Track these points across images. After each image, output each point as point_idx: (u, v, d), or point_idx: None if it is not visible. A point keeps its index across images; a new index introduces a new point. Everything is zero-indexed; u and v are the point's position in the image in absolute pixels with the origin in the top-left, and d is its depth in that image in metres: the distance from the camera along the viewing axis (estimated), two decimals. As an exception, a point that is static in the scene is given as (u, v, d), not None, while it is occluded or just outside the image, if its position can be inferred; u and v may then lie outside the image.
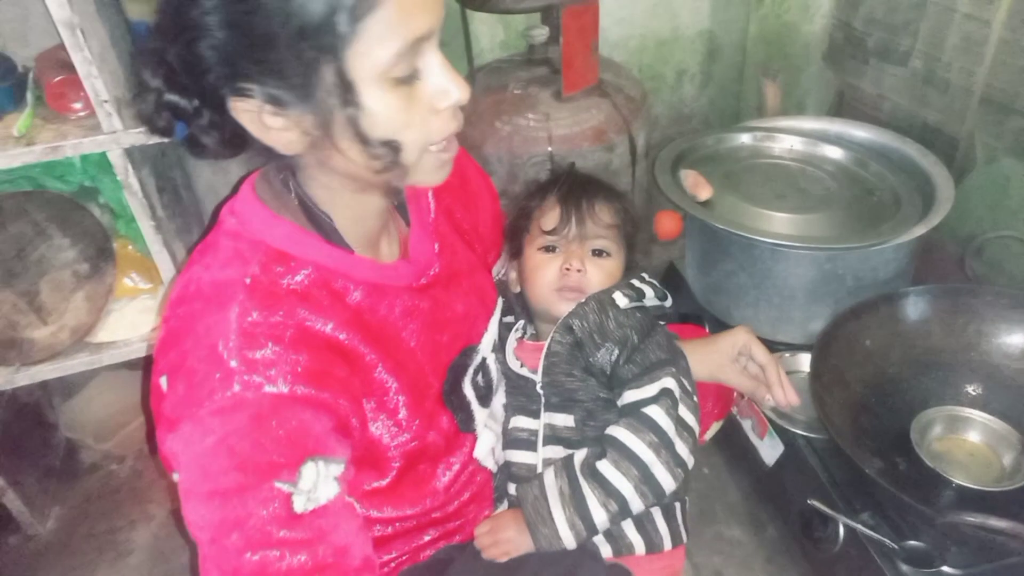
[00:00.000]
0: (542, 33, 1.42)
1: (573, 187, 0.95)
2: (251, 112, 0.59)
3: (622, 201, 0.97)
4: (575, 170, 1.02)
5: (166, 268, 1.31)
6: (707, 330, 1.48)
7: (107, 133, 1.15)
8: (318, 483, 0.61)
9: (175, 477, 0.63)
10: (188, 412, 0.60)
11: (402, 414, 0.74)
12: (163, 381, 0.64)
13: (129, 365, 1.71)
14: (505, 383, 0.94)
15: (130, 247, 1.45)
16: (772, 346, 1.37)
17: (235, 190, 0.72)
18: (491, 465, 0.89)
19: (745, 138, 1.49)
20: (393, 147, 0.61)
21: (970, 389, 1.17)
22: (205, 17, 0.54)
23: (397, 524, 0.80)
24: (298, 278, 0.66)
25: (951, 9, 1.35)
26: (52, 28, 1.29)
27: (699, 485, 1.48)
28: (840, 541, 1.13)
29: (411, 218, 0.81)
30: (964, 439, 1.15)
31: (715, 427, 1.07)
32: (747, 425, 1.38)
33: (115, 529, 1.56)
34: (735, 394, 1.09)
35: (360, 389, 0.69)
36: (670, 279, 1.65)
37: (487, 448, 0.88)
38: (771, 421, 1.29)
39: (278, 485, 0.59)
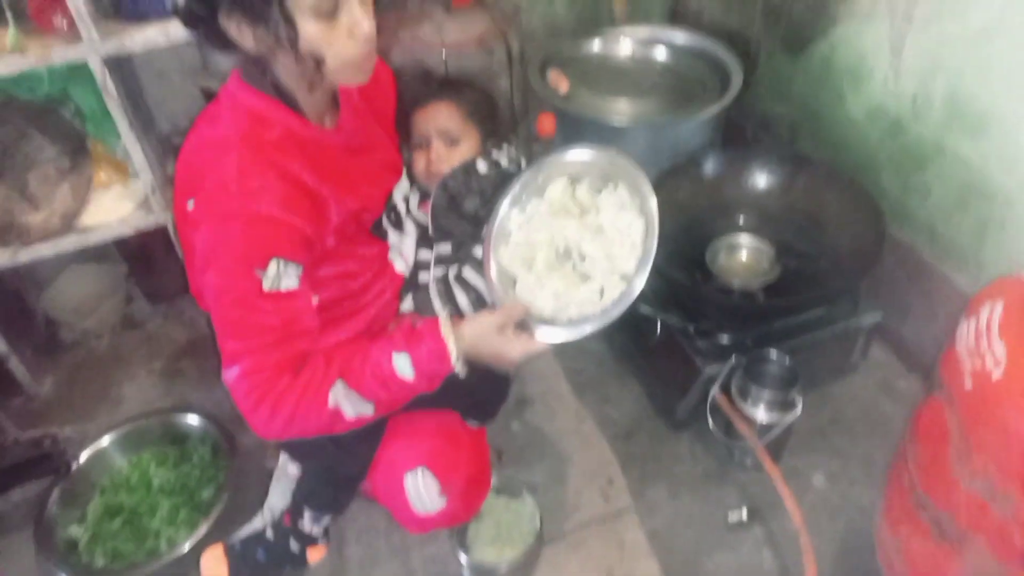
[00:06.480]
0: (433, -41, 1.77)
1: (428, 94, 1.28)
2: (231, 23, 0.92)
3: (466, 95, 1.28)
4: (429, 77, 1.35)
5: (138, 158, 1.61)
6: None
7: (86, 42, 1.42)
8: (280, 276, 0.94)
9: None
10: (206, 218, 0.95)
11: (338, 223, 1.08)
12: (190, 203, 0.99)
13: (96, 258, 2.04)
14: (416, 231, 1.32)
15: (100, 147, 1.74)
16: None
17: (222, 81, 1.05)
18: (402, 268, 1.27)
19: (597, 44, 1.90)
20: (317, 60, 0.93)
21: (741, 219, 1.66)
22: None
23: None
24: (273, 133, 1.00)
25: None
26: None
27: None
28: (658, 334, 1.57)
29: (342, 102, 1.16)
30: (740, 255, 1.64)
31: None
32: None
33: (107, 386, 1.90)
34: None
35: (320, 217, 1.03)
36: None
37: (401, 266, 1.27)
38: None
39: (255, 271, 0.93)
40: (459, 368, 1.01)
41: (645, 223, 1.03)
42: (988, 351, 0.95)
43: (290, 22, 0.89)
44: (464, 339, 1.01)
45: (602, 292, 1.03)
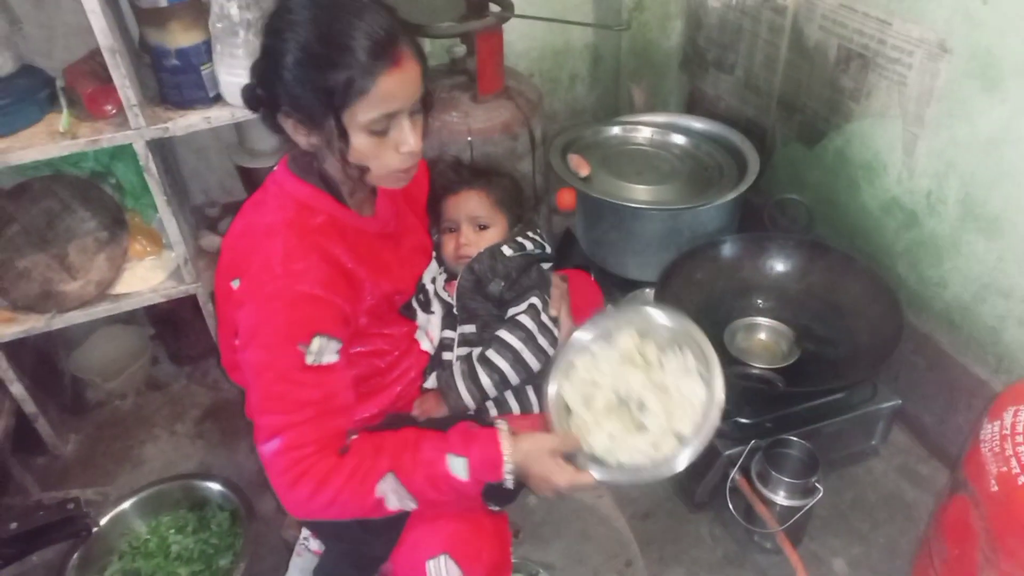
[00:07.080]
0: (461, 50, 1.85)
1: (459, 182, 1.35)
2: (288, 121, 1.01)
3: (495, 183, 1.35)
4: (460, 166, 1.42)
5: (173, 231, 1.67)
6: (592, 276, 1.96)
7: (134, 129, 1.51)
8: (323, 351, 0.98)
9: (236, 342, 1.04)
10: (250, 297, 1.00)
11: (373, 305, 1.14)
12: (235, 283, 1.04)
13: (124, 320, 2.08)
14: (441, 310, 1.36)
15: (137, 219, 1.81)
16: (636, 285, 1.87)
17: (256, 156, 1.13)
18: (428, 347, 1.31)
19: (616, 129, 1.98)
20: (361, 169, 1.01)
21: (759, 302, 1.69)
22: (280, 79, 0.96)
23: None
24: (318, 220, 1.06)
25: (756, 35, 1.86)
26: (73, 44, 1.66)
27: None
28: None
29: (379, 191, 1.22)
30: (759, 337, 1.67)
31: None
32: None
33: (129, 447, 1.92)
34: None
35: (356, 297, 1.09)
36: (567, 240, 2.12)
37: (427, 345, 1.31)
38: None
39: (298, 347, 0.96)
40: (509, 480, 1.02)
41: (707, 394, 1.05)
42: (1013, 455, 0.97)
43: (344, 135, 0.96)
44: (519, 452, 1.02)
45: (655, 446, 1.05)
